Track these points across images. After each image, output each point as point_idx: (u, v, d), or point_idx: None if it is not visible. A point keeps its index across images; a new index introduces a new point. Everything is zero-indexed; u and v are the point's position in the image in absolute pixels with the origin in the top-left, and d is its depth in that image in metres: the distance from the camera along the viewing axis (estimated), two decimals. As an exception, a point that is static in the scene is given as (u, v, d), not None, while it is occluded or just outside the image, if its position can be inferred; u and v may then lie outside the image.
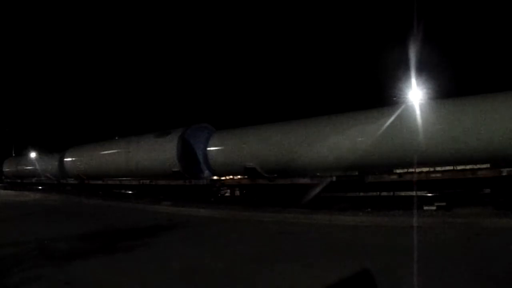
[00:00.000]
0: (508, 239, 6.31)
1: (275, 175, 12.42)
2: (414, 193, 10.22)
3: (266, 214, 10.17)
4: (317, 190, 10.99)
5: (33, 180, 29.25)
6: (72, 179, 22.65)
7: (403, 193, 10.65)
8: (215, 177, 14.70)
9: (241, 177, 13.56)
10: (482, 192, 9.52)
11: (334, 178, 10.88)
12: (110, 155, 18.58)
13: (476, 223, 7.45)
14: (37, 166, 26.96)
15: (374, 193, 10.89)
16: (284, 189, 12.21)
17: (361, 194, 11.34)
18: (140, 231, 8.41)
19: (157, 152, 15.35)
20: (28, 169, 29.07)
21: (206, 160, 14.30)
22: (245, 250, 6.31)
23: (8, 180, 34.73)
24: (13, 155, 37.77)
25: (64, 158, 22.67)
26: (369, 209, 9.85)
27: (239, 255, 5.92)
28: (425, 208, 9.44)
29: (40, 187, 28.27)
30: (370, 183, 10.51)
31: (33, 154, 28.71)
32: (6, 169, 34.22)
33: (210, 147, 14.10)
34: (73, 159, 21.91)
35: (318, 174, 11.51)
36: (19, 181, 32.15)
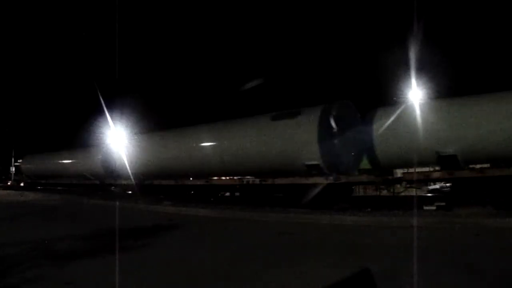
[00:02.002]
0: (508, 239, 6.31)
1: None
2: (414, 193, 10.24)
3: (266, 214, 10.17)
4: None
5: (63, 180, 25.01)
6: (122, 179, 18.40)
7: (403, 193, 10.67)
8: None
9: (432, 169, 10.24)
10: (482, 192, 9.52)
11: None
12: (189, 146, 14.57)
13: (476, 223, 7.46)
14: (70, 164, 22.95)
15: (374, 193, 10.89)
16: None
17: (361, 194, 11.35)
18: (141, 231, 8.41)
19: (278, 139, 11.51)
20: (56, 167, 24.84)
21: (365, 149, 10.84)
22: (246, 250, 6.31)
23: (29, 181, 30.50)
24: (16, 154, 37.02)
25: (113, 153, 18.55)
26: (369, 209, 9.86)
27: (239, 255, 5.91)
28: (425, 208, 9.46)
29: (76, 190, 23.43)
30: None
31: (64, 149, 24.90)
32: (25, 168, 29.97)
33: (375, 129, 10.29)
34: (128, 153, 17.51)
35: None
36: (43, 181, 27.93)
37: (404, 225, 7.75)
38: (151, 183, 16.80)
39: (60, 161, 24.65)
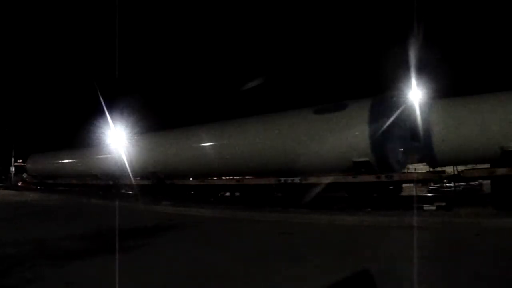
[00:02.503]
0: (508, 239, 6.31)
1: None
2: (414, 193, 10.24)
3: (267, 214, 10.16)
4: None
5: (73, 180, 23.83)
6: (139, 179, 17.30)
7: (403, 193, 10.66)
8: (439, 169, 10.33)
9: (489, 167, 9.41)
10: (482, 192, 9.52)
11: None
12: (220, 143, 13.32)
13: (476, 223, 7.46)
14: (80, 163, 21.98)
15: (374, 193, 10.87)
16: None
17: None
18: (141, 231, 8.41)
19: (321, 134, 10.65)
20: (65, 167, 23.82)
21: (418, 144, 10.15)
22: (246, 250, 6.31)
23: (35, 181, 29.12)
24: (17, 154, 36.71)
25: (132, 148, 17.17)
26: (369, 209, 9.85)
27: (240, 255, 5.91)
28: (425, 208, 9.45)
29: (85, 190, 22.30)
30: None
31: (74, 148, 23.62)
32: (32, 167, 28.74)
33: (432, 123, 9.52)
34: (145, 152, 16.39)
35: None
36: (51, 181, 26.61)
37: (404, 225, 7.75)
38: (172, 183, 15.42)
39: (69, 161, 23.47)
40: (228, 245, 6.73)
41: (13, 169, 36.80)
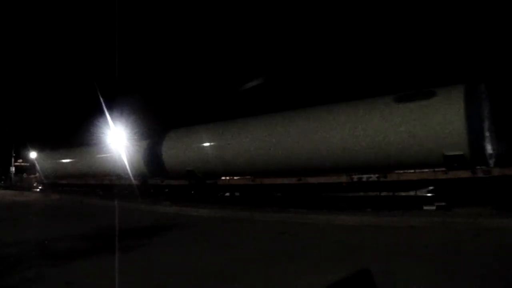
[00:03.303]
0: (508, 239, 6.31)
1: None
2: (414, 193, 10.23)
3: (266, 214, 10.16)
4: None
5: (89, 181, 21.29)
6: (172, 179, 15.57)
7: (403, 193, 10.64)
8: None
9: None
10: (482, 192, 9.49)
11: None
12: (279, 138, 11.63)
13: (476, 223, 7.45)
14: (100, 162, 19.59)
15: (375, 193, 10.87)
16: None
17: (361, 194, 11.31)
18: (141, 231, 8.41)
19: (404, 125, 9.44)
20: (82, 166, 21.44)
21: None
22: (245, 250, 6.32)
23: (45, 181, 26.67)
24: (12, 153, 36.62)
25: (161, 146, 15.22)
26: (369, 209, 9.86)
27: (239, 255, 5.92)
28: (425, 208, 9.45)
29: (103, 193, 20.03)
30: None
31: (91, 145, 20.96)
32: (42, 166, 26.05)
33: None
34: (180, 146, 14.51)
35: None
36: (64, 182, 24.19)
37: (404, 225, 7.75)
38: (214, 182, 13.94)
39: (87, 159, 21.13)
40: (228, 245, 6.73)
41: (13, 169, 36.86)
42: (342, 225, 8.36)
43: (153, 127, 18.34)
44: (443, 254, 5.42)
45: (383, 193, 10.69)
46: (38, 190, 27.22)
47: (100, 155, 19.99)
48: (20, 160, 37.17)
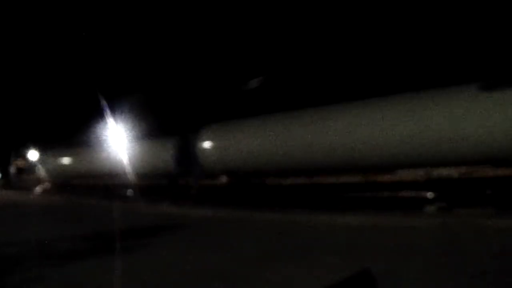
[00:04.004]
0: (508, 239, 6.31)
1: None
2: (414, 194, 10.22)
3: (266, 214, 10.17)
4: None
5: (106, 181, 19.57)
6: (207, 178, 14.45)
7: (403, 193, 10.64)
8: None
9: None
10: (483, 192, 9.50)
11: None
12: (344, 131, 10.44)
13: (477, 223, 7.46)
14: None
15: (375, 193, 10.87)
16: None
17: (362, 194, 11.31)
18: (140, 231, 8.41)
19: (491, 117, 8.50)
20: (96, 164, 19.54)
21: None
22: (245, 250, 6.31)
23: (54, 182, 24.98)
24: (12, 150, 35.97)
25: (197, 142, 13.99)
26: (369, 210, 9.86)
27: (239, 255, 5.91)
28: (426, 208, 9.45)
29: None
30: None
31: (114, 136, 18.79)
32: (48, 165, 24.62)
33: None
34: (219, 143, 13.23)
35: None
36: (76, 182, 22.76)
37: (405, 226, 7.75)
38: (262, 182, 12.78)
39: (102, 157, 19.34)
40: (228, 245, 6.73)
41: (13, 169, 36.81)
42: (342, 226, 8.36)
43: (181, 122, 17.22)
44: (443, 255, 5.42)
45: (384, 193, 10.71)
46: (38, 190, 27.15)
47: (116, 154, 17.96)
48: (20, 160, 37.08)
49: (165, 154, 15.44)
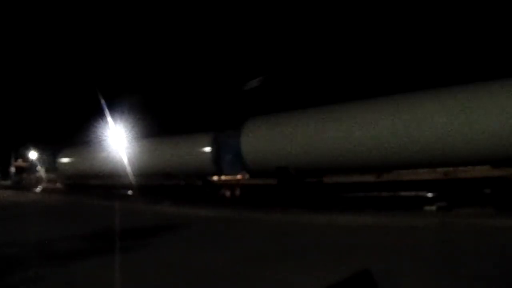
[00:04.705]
0: (508, 239, 6.31)
1: None
2: (414, 193, 10.22)
3: (266, 214, 10.16)
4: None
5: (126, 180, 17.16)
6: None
7: (404, 193, 10.63)
8: None
9: None
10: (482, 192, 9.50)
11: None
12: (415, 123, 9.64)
13: (477, 223, 7.46)
14: (144, 159, 16.26)
15: (375, 193, 10.85)
16: None
17: (361, 194, 11.30)
18: (140, 231, 8.40)
19: None
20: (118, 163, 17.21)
21: None
22: (246, 250, 6.31)
23: (69, 182, 23.65)
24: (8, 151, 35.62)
25: (240, 138, 12.74)
26: (369, 210, 9.86)
27: (239, 255, 5.91)
28: (426, 208, 9.45)
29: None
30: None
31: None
32: (65, 165, 22.95)
33: None
34: (266, 138, 12.06)
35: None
36: (94, 183, 20.90)
37: (405, 226, 7.75)
38: (320, 180, 11.37)
39: (125, 155, 17.57)
40: (228, 245, 6.73)
41: (14, 169, 36.82)
42: (342, 226, 8.36)
43: (216, 118, 16.34)
44: (443, 255, 5.42)
45: (384, 193, 10.70)
46: (38, 190, 27.14)
47: (145, 152, 16.91)
48: (20, 160, 37.07)
49: (198, 153, 14.33)
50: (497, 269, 4.60)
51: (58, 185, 26.01)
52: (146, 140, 17.79)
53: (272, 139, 12.01)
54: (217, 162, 14.11)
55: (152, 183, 16.75)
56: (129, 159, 16.34)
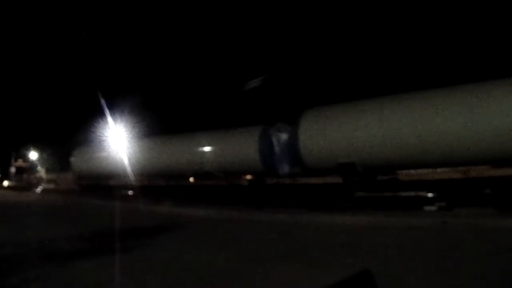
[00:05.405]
0: (508, 239, 6.31)
1: None
2: (414, 194, 10.20)
3: (267, 214, 10.16)
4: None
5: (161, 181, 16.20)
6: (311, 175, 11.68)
7: (403, 193, 10.61)
8: None
9: None
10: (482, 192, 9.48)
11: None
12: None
13: (477, 223, 7.46)
14: (176, 156, 14.92)
15: (375, 194, 10.83)
16: None
17: (362, 194, 11.26)
18: (140, 232, 8.40)
19: None
20: (151, 162, 15.89)
21: None
22: (246, 250, 6.31)
23: (84, 183, 21.48)
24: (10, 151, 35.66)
25: (297, 132, 11.42)
26: (369, 209, 9.85)
27: (239, 255, 5.91)
28: (426, 208, 9.45)
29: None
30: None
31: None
32: (81, 165, 20.97)
33: None
34: (349, 127, 10.42)
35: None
36: (110, 183, 18.73)
37: (405, 226, 7.75)
38: (391, 178, 10.15)
39: (154, 153, 16.18)
40: (228, 245, 6.73)
41: (14, 170, 36.84)
42: (342, 226, 8.36)
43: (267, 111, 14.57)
44: (443, 254, 5.42)
45: (384, 193, 10.68)
46: (38, 190, 27.12)
47: (178, 149, 15.37)
48: (20, 160, 37.09)
49: (245, 148, 12.82)
50: (497, 269, 4.60)
51: (66, 185, 24.87)
52: (180, 136, 16.16)
53: (338, 132, 10.56)
54: (267, 159, 12.55)
55: (187, 184, 15.31)
56: (159, 159, 15.31)
